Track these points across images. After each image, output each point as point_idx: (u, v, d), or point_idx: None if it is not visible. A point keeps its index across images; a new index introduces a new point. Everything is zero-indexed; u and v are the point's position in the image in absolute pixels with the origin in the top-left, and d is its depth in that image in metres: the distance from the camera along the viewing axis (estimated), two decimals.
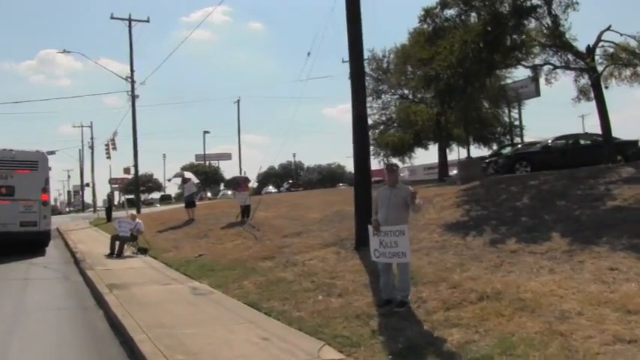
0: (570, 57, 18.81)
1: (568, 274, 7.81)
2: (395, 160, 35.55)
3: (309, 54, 23.88)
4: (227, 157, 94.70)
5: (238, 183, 20.96)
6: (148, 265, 13.85)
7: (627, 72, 18.90)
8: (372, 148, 39.76)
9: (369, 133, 38.84)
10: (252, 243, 14.82)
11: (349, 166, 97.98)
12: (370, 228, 7.84)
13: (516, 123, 36.67)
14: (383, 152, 36.66)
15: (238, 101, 66.05)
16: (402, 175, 57.21)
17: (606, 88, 19.12)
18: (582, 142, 22.21)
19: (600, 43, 18.50)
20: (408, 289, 7.60)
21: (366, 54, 37.98)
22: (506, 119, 34.90)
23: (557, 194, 13.13)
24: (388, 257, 7.52)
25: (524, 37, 17.50)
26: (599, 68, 18.61)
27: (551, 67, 19.15)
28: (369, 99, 35.96)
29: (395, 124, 35.93)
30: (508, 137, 35.20)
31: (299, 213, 19.13)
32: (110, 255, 15.26)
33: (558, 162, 20.16)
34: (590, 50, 18.46)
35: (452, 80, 17.50)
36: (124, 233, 15.60)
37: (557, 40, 17.90)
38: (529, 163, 21.44)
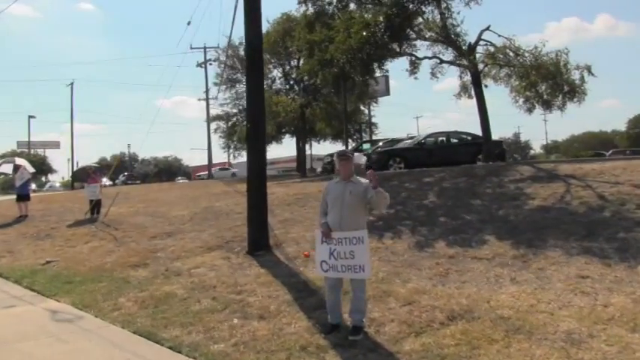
0: (453, 53, 18.59)
1: (537, 285, 6.93)
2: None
3: (189, 23, 21.00)
4: (55, 145, 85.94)
5: (88, 174, 17.87)
6: None
7: (502, 72, 19.13)
8: (223, 140, 37.93)
9: (222, 125, 37.38)
10: (112, 245, 12.29)
11: (186, 160, 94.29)
12: (317, 234, 6.19)
13: (374, 120, 36.87)
14: (234, 144, 34.93)
15: (72, 84, 59.40)
16: (234, 170, 55.16)
17: (486, 86, 19.25)
18: (453, 140, 22.31)
19: (481, 42, 18.50)
20: (363, 311, 6.08)
21: (224, 41, 35.77)
22: (362, 116, 34.88)
23: (466, 192, 12.49)
24: (341, 271, 5.92)
25: (422, 24, 16.83)
26: (480, 66, 18.63)
27: (438, 61, 18.77)
28: (222, 87, 34.04)
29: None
30: (362, 135, 35.25)
31: (160, 209, 16.74)
32: None
33: (432, 159, 20.07)
34: (472, 48, 18.37)
35: (349, 65, 16.27)
36: None
37: (446, 34, 17.48)
38: (403, 160, 21.06)
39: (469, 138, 22.34)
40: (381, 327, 6.06)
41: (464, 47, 18.36)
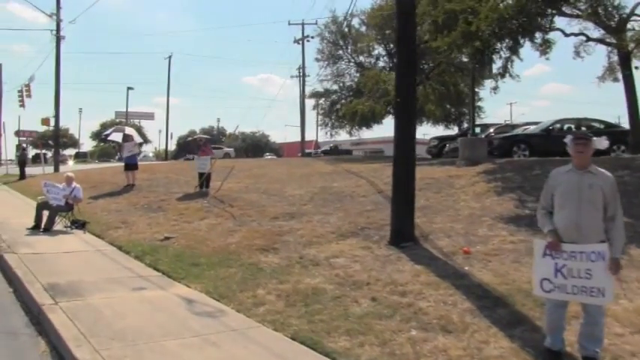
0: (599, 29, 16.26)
1: None
2: (361, 132, 32.40)
3: None
4: (149, 116, 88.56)
5: (198, 145, 17.01)
6: (92, 246, 9.97)
7: None
8: (320, 118, 36.72)
9: (321, 102, 36.13)
10: (231, 224, 11.21)
11: (273, 136, 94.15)
12: (537, 244, 4.76)
13: (479, 104, 34.47)
14: (331, 122, 33.71)
15: (170, 57, 60.39)
16: (228, 150, 51.28)
17: (636, 68, 16.81)
18: (583, 127, 19.93)
19: (634, 18, 16.04)
20: (601, 339, 4.58)
21: (327, 14, 34.38)
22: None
23: (637, 188, 10.53)
24: (571, 293, 4.50)
25: None
26: (631, 46, 16.20)
27: (584, 38, 16.49)
28: (324, 64, 32.76)
29: (351, 94, 32.87)
30: (467, 118, 32.98)
31: (273, 187, 15.61)
32: (35, 228, 11.20)
33: (559, 148, 17.89)
34: (622, 24, 15.96)
35: (496, 38, 14.40)
36: (56, 201, 11.48)
37: (596, 7, 15.19)
38: (528, 147, 19.07)
39: (601, 126, 20.03)
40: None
41: (613, 23, 15.95)
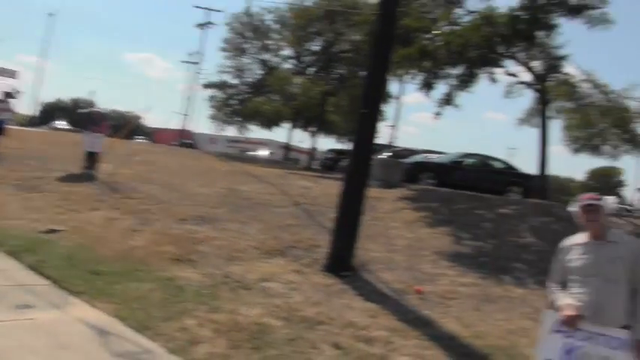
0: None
1: None
2: (258, 132, 30.86)
3: None
4: (11, 73, 79.49)
5: (92, 120, 14.60)
6: None
7: (568, 106, 17.10)
8: (213, 110, 34.81)
9: (214, 93, 34.19)
10: (132, 222, 9.40)
11: (148, 120, 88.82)
12: (549, 316, 3.78)
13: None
14: (231, 118, 32.07)
15: (52, 14, 54.82)
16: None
17: (552, 118, 17.22)
18: (487, 164, 20.18)
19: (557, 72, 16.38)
20: None
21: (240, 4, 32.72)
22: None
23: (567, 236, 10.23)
24: None
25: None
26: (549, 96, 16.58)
27: (516, 80, 16.54)
28: (229, 55, 31.16)
29: (251, 90, 31.48)
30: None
31: (172, 180, 13.83)
32: None
33: (464, 181, 17.94)
34: (547, 74, 16.22)
35: (453, 62, 13.77)
36: None
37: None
38: (435, 176, 18.82)
39: (502, 166, 20.45)
40: None
41: (540, 71, 16.18)
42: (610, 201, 3.87)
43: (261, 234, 9.42)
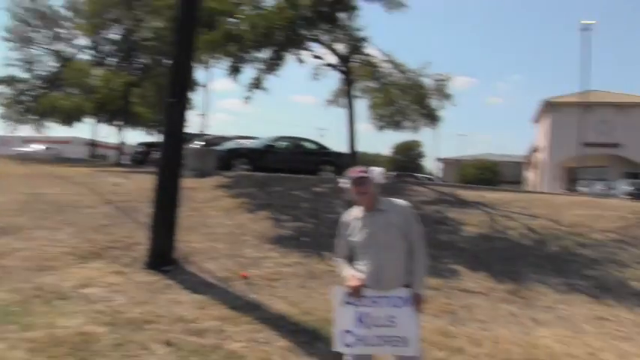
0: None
1: (565, 327, 6.39)
2: (58, 130, 28.40)
3: None
4: None
5: None
6: None
7: (371, 85, 18.36)
8: (2, 109, 31.51)
9: (6, 90, 30.87)
10: None
11: None
12: (336, 292, 3.87)
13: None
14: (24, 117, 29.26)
15: None
16: None
17: (358, 97, 18.30)
18: (300, 146, 20.97)
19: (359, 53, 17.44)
20: None
21: None
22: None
23: None
24: (374, 344, 3.77)
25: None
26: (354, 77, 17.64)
27: (323, 62, 17.13)
28: (14, 45, 28.45)
29: (46, 85, 28.99)
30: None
31: None
32: None
33: (279, 164, 18.58)
34: (349, 55, 17.21)
35: (258, 46, 13.71)
36: None
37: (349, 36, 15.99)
38: (249, 161, 19.14)
39: (314, 147, 21.44)
40: None
41: (344, 53, 17.14)
42: (377, 172, 3.89)
43: (74, 238, 8.87)
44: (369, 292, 3.74)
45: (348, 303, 3.77)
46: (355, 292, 3.73)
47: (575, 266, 8.58)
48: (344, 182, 3.86)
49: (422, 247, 3.85)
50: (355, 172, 3.86)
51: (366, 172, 3.84)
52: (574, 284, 7.85)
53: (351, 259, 3.90)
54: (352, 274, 3.80)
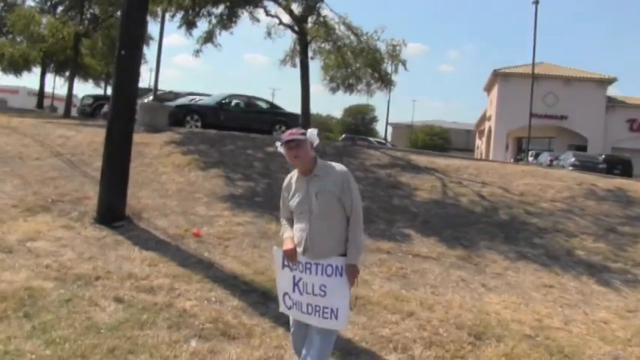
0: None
1: (514, 293, 6.63)
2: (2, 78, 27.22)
3: None
4: None
5: None
6: None
7: (326, 47, 18.19)
8: None
9: None
10: None
11: None
12: (276, 252, 3.85)
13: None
14: None
15: None
16: None
17: (312, 58, 18.10)
18: (252, 105, 20.71)
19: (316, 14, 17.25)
20: None
21: None
22: None
23: None
24: (305, 312, 3.65)
25: None
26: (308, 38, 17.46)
27: (277, 21, 16.84)
28: None
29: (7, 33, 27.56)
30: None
31: None
32: None
33: (231, 122, 18.37)
34: (304, 16, 17.00)
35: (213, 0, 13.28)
36: None
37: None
38: (201, 118, 18.80)
39: (267, 106, 21.22)
40: (407, 349, 4.71)
41: (299, 13, 16.92)
42: (313, 134, 3.66)
43: (19, 190, 8.60)
44: (303, 257, 3.61)
45: (285, 266, 3.72)
46: (290, 256, 3.64)
47: (524, 234, 8.87)
48: (279, 145, 3.67)
49: (359, 216, 3.64)
50: (288, 134, 3.64)
51: (300, 134, 3.61)
52: (523, 252, 8.13)
53: (292, 221, 3.78)
54: (288, 236, 3.70)
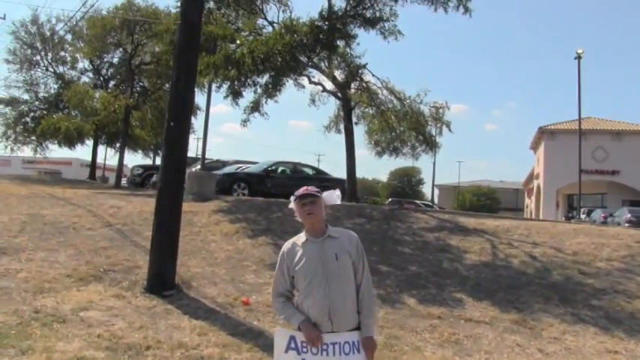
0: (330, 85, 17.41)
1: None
2: (58, 151, 28.52)
3: None
4: None
5: None
6: None
7: (370, 112, 18.48)
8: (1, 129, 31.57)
9: (6, 111, 30.96)
10: None
11: None
12: (278, 334, 3.43)
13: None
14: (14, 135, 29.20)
15: None
16: None
17: (356, 124, 18.41)
18: (298, 171, 20.96)
19: (358, 79, 17.65)
20: None
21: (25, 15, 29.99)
22: None
23: (383, 237, 11.09)
24: None
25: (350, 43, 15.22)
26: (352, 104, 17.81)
27: (321, 88, 17.31)
28: (16, 67, 28.55)
29: (46, 106, 29.10)
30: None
31: None
32: None
33: (277, 189, 18.54)
34: (347, 82, 17.38)
35: (257, 70, 13.83)
36: None
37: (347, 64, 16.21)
38: (247, 186, 19.11)
39: (313, 172, 21.42)
40: None
41: (342, 79, 17.31)
42: (332, 195, 3.46)
43: (73, 260, 8.81)
44: (326, 337, 3.22)
45: (291, 349, 3.27)
46: (314, 341, 3.20)
47: (581, 296, 8.48)
48: (292, 200, 3.44)
49: (370, 283, 3.41)
50: (303, 189, 3.43)
51: (314, 190, 3.41)
52: (580, 315, 7.76)
53: (292, 296, 3.43)
54: (303, 320, 3.27)
